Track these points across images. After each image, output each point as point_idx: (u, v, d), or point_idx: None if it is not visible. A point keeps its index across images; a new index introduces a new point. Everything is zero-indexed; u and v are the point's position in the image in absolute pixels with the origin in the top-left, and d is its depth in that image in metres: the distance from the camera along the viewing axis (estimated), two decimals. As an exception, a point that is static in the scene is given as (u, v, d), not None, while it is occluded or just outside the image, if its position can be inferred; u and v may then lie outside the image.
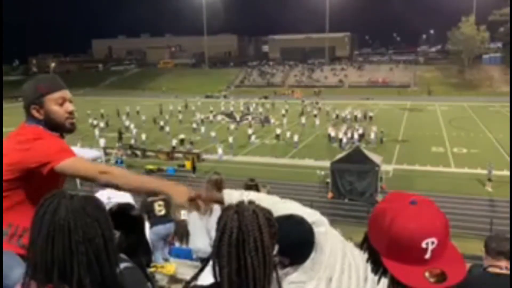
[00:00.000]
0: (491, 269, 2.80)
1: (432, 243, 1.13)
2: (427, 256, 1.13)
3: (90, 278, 1.22)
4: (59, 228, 1.22)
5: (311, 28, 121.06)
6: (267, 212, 1.32)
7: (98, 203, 1.32)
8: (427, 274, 1.13)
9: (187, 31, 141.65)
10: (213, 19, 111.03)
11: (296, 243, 2.03)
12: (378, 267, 1.24)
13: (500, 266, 2.80)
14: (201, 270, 1.40)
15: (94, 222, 1.26)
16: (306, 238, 2.01)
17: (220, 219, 1.31)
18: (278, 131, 37.70)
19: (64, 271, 1.21)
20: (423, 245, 1.13)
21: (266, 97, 68.69)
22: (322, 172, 25.05)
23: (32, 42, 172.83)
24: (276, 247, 1.32)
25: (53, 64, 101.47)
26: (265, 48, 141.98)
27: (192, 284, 1.43)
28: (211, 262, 1.32)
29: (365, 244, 1.29)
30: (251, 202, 1.34)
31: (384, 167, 24.52)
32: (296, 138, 34.53)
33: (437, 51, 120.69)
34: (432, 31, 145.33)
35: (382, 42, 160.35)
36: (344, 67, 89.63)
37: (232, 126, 41.71)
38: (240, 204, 1.32)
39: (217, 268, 1.27)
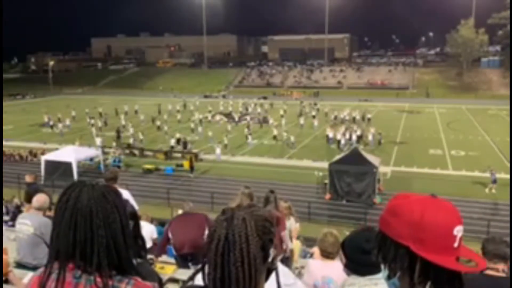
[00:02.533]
0: (488, 272, 2.80)
1: (461, 230, 1.21)
2: (456, 244, 1.20)
3: (108, 260, 1.31)
4: (81, 213, 1.32)
5: (311, 29, 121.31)
6: (262, 219, 1.29)
7: (116, 191, 1.43)
8: (461, 260, 1.20)
9: (186, 30, 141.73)
10: (213, 19, 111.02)
11: (357, 248, 2.24)
12: (401, 265, 1.25)
13: (497, 269, 2.81)
14: (198, 271, 1.40)
15: (113, 208, 1.35)
16: (365, 246, 2.17)
17: (212, 225, 1.30)
18: (275, 131, 37.74)
19: (84, 253, 1.30)
20: (455, 232, 1.20)
21: (265, 98, 68.70)
22: (320, 173, 25.07)
23: (31, 40, 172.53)
24: (271, 253, 1.31)
25: (51, 63, 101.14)
26: (264, 48, 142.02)
27: (189, 284, 1.43)
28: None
29: (383, 243, 1.29)
30: (246, 208, 1.31)
31: (382, 169, 24.54)
32: (292, 138, 34.55)
33: (436, 54, 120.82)
34: (431, 34, 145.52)
35: (381, 44, 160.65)
36: (343, 69, 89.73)
37: (229, 127, 41.72)
38: (234, 210, 1.29)
39: (205, 272, 1.27)
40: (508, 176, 24.07)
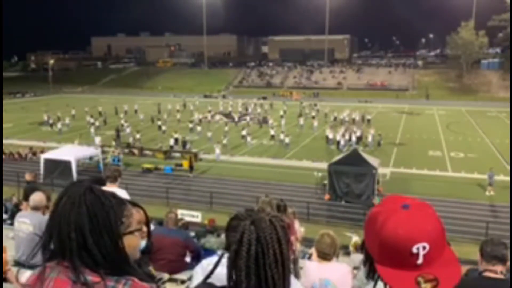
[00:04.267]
0: (486, 274, 2.80)
1: (424, 248, 1.11)
2: (419, 261, 1.11)
3: (98, 259, 1.30)
4: (71, 203, 1.33)
5: (311, 30, 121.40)
6: (281, 220, 1.28)
7: (106, 194, 1.42)
8: (420, 279, 1.11)
9: (186, 30, 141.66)
10: (213, 19, 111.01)
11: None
12: (373, 272, 1.23)
13: (495, 271, 2.80)
14: (210, 274, 1.38)
15: (102, 210, 1.35)
16: None
17: (235, 230, 1.24)
18: (272, 132, 37.73)
19: (86, 251, 1.31)
20: (414, 250, 1.11)
21: (264, 98, 68.70)
22: (320, 174, 25.06)
23: (31, 38, 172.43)
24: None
25: (51, 61, 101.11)
26: (265, 49, 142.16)
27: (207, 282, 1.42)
28: (222, 271, 1.27)
29: (363, 249, 1.28)
30: (265, 211, 1.30)
31: (381, 170, 24.55)
32: (287, 139, 34.59)
33: (436, 55, 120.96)
34: (431, 35, 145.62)
35: (381, 45, 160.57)
36: (343, 70, 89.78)
37: (228, 127, 41.72)
38: (255, 214, 1.27)
39: (232, 282, 1.22)
40: (507, 178, 24.08)
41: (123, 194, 5.48)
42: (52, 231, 1.34)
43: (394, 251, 1.13)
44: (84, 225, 1.31)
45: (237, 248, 1.19)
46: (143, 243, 1.53)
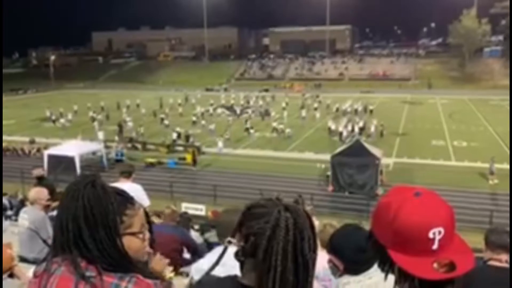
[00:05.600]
0: (491, 262, 2.80)
1: (439, 232, 1.14)
2: (435, 246, 1.14)
3: (105, 255, 1.31)
4: (71, 196, 1.36)
5: (312, 20, 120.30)
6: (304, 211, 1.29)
7: (105, 184, 1.44)
8: (435, 265, 1.13)
9: (187, 23, 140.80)
10: (213, 11, 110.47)
11: (350, 247, 2.12)
12: (385, 263, 1.24)
13: (500, 260, 2.80)
14: (216, 264, 1.38)
15: (109, 205, 1.36)
16: (360, 244, 2.08)
17: (259, 218, 1.22)
18: (274, 124, 37.72)
19: (83, 247, 1.32)
20: (430, 235, 1.13)
21: (266, 90, 68.55)
22: (323, 165, 25.06)
23: (31, 34, 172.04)
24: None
25: (52, 57, 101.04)
26: (266, 40, 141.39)
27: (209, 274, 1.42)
28: (227, 261, 1.27)
29: (371, 240, 1.28)
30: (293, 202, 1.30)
31: (384, 160, 24.51)
32: (288, 131, 34.57)
33: (438, 44, 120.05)
34: (433, 24, 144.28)
35: (383, 35, 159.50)
36: (344, 60, 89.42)
37: (231, 120, 41.69)
38: (285, 203, 1.26)
39: (253, 269, 1.20)
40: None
41: (138, 189, 5.50)
42: (56, 224, 1.38)
43: (411, 237, 1.14)
44: (79, 217, 1.33)
45: (271, 234, 1.18)
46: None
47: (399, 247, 1.16)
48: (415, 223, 1.14)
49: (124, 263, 1.34)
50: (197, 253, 5.16)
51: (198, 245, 6.08)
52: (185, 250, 5.19)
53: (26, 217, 4.66)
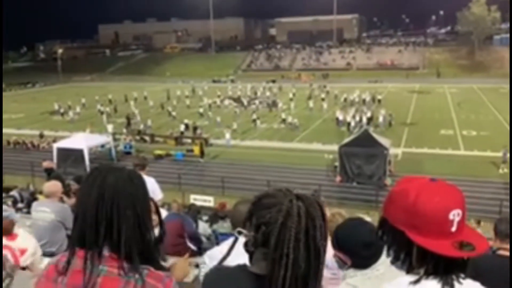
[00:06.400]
0: (500, 252, 2.80)
1: (458, 214, 1.19)
2: (454, 228, 1.19)
3: (135, 241, 1.31)
4: (108, 192, 1.31)
5: (319, 10, 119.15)
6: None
7: (141, 176, 1.44)
8: (456, 244, 1.19)
9: (193, 15, 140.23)
10: (219, 2, 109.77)
11: (357, 243, 2.12)
12: (401, 249, 1.26)
13: (509, 249, 2.80)
14: (229, 252, 1.40)
15: (138, 190, 1.36)
16: (366, 239, 2.07)
17: (270, 207, 1.23)
18: (283, 115, 37.65)
19: (111, 234, 1.30)
20: (450, 216, 1.19)
21: (273, 81, 68.32)
22: (330, 156, 25.02)
23: (38, 28, 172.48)
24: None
25: (60, 50, 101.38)
26: (272, 31, 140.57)
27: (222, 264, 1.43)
28: (236, 250, 1.27)
29: (384, 228, 1.30)
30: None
31: (393, 150, 24.41)
32: (296, 121, 34.59)
33: (446, 33, 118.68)
34: (441, 12, 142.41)
35: (391, 23, 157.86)
36: (352, 50, 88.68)
37: (238, 111, 41.65)
38: (296, 192, 1.26)
39: (263, 257, 1.21)
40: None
41: (151, 181, 5.59)
42: (92, 211, 1.32)
43: (432, 219, 1.19)
44: (138, 204, 1.33)
45: (283, 222, 1.18)
46: (156, 231, 1.55)
47: (418, 230, 1.20)
48: (437, 205, 1.19)
49: (152, 255, 1.35)
50: (196, 240, 5.25)
51: (198, 232, 6.18)
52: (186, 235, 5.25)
53: (47, 210, 4.69)
